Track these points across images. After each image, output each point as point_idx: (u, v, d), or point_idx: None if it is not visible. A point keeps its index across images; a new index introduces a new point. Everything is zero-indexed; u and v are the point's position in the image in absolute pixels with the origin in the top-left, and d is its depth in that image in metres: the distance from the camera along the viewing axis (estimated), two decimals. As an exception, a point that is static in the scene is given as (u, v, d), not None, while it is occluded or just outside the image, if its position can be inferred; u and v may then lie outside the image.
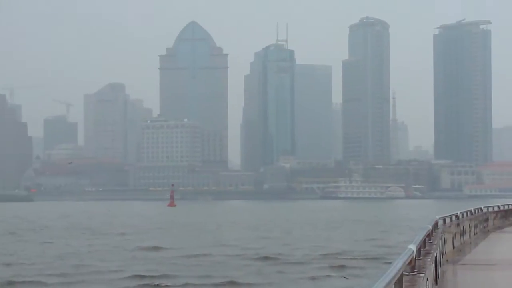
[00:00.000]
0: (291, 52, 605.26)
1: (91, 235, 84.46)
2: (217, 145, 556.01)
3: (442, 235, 26.01)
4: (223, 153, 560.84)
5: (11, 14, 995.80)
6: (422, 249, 17.93)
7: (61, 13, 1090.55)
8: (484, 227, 44.56)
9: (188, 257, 54.70)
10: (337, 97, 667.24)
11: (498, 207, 52.66)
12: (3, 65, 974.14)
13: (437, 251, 20.48)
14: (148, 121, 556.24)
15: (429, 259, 16.88)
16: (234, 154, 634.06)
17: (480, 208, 44.21)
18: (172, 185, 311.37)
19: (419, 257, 16.25)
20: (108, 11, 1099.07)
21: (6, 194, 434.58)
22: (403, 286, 11.18)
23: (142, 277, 42.81)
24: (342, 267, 48.16)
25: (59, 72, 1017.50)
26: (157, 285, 40.17)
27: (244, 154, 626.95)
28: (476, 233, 40.86)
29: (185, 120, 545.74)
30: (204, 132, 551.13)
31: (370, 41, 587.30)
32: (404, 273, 11.48)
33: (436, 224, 26.15)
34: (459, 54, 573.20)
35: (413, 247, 13.54)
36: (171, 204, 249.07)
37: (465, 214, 37.84)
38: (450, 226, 32.14)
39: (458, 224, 34.57)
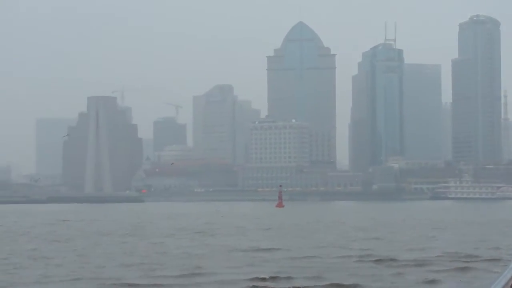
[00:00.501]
0: (400, 52, 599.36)
1: (201, 236, 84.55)
2: (325, 146, 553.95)
3: None
4: (331, 153, 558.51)
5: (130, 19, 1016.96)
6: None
7: (171, 17, 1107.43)
8: None
9: (299, 259, 53.87)
10: (446, 97, 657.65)
11: None
12: (114, 68, 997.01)
13: None
14: (256, 122, 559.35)
15: None
16: (342, 154, 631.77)
17: None
18: (280, 186, 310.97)
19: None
20: (213, 11, 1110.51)
21: (117, 195, 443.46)
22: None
23: (263, 279, 42.05)
24: (464, 269, 46.40)
25: (169, 74, 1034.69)
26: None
27: (352, 154, 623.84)
28: None
29: (293, 120, 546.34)
30: (312, 133, 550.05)
31: (480, 39, 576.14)
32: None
33: None
34: None
35: None
36: (279, 205, 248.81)
37: None
38: None
39: None
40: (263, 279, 41.94)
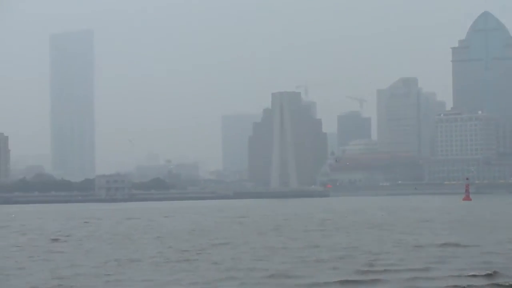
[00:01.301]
0: None
1: (379, 230, 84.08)
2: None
3: None
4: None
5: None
6: None
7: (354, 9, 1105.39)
8: None
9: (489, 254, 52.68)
10: None
11: None
12: (298, 63, 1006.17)
13: None
14: (442, 115, 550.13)
15: None
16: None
17: None
18: (467, 179, 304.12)
19: None
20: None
21: (303, 190, 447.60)
22: None
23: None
24: None
25: (352, 68, 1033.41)
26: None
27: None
28: None
29: (479, 112, 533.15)
30: (499, 124, 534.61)
31: None
32: None
33: None
34: None
35: None
36: (467, 198, 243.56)
37: None
38: None
39: None
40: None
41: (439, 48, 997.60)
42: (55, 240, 77.65)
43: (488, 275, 41.27)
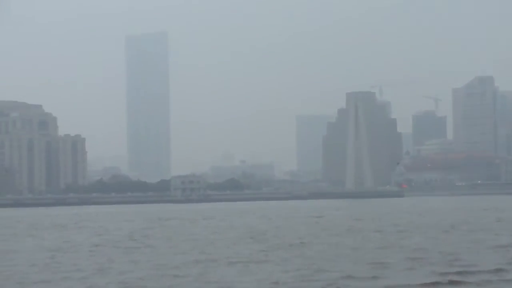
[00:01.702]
0: None
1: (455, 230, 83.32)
2: None
3: None
4: None
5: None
6: None
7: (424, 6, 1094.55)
8: None
9: None
10: None
11: None
12: (372, 63, 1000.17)
13: None
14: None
15: None
16: None
17: None
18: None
19: None
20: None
21: (378, 190, 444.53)
22: None
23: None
24: None
25: (427, 67, 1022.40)
26: None
27: None
28: None
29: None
30: None
31: None
32: None
33: None
34: None
35: None
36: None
37: None
38: None
39: None
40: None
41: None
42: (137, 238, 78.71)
43: None
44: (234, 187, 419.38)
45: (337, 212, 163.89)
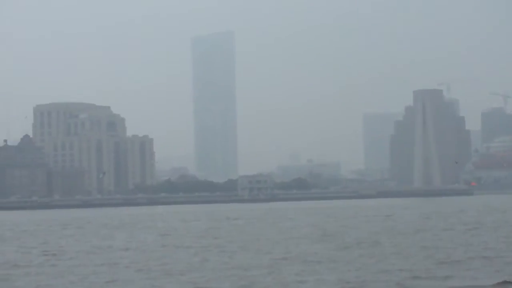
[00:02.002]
0: None
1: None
2: None
3: None
4: None
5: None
6: None
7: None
8: None
9: None
10: None
11: None
12: (440, 60, 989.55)
13: None
14: None
15: None
16: None
17: None
18: None
19: None
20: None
21: (446, 188, 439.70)
22: None
23: None
24: None
25: (495, 63, 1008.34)
26: None
27: None
28: None
29: None
30: None
31: None
32: None
33: None
34: None
35: None
36: None
37: None
38: None
39: None
40: None
41: None
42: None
43: None
44: (301, 186, 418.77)
45: (405, 211, 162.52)
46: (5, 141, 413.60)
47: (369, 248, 61.93)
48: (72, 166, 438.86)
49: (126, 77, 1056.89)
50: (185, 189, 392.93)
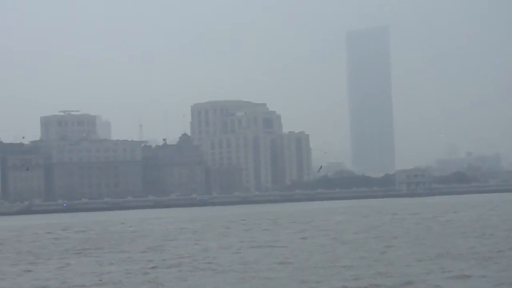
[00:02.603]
0: None
1: None
2: None
3: None
4: None
5: None
6: None
7: None
8: None
9: None
10: None
11: None
12: None
13: None
14: None
15: None
16: None
17: None
18: None
19: None
20: None
21: None
22: None
23: None
24: None
25: None
26: None
27: None
28: None
29: None
30: None
31: None
32: None
33: None
34: None
35: None
36: None
37: None
38: None
39: None
40: None
41: None
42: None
43: None
44: (460, 180, 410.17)
45: None
46: (164, 140, 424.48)
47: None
48: (230, 163, 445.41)
49: (281, 74, 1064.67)
50: (342, 185, 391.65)
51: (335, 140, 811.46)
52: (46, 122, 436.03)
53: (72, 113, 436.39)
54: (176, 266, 53.52)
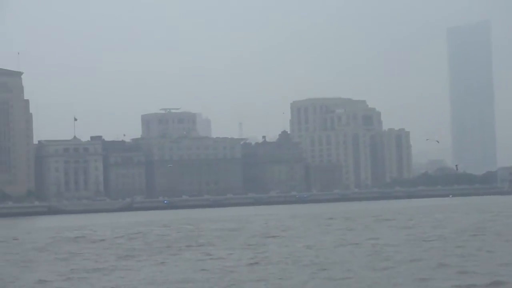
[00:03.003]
0: None
1: None
2: None
3: None
4: None
5: None
6: None
7: None
8: None
9: None
10: None
11: None
12: None
13: None
14: None
15: None
16: None
17: None
18: None
19: None
20: None
21: None
22: None
23: None
24: None
25: None
26: None
27: None
28: None
29: None
30: None
31: None
32: None
33: None
34: None
35: None
36: None
37: None
38: None
39: None
40: None
41: None
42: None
43: None
44: None
45: None
46: (264, 137, 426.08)
47: None
48: (329, 160, 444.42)
49: (381, 70, 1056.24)
50: (443, 182, 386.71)
51: (436, 137, 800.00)
52: (147, 120, 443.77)
53: (173, 111, 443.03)
54: (277, 264, 53.87)
